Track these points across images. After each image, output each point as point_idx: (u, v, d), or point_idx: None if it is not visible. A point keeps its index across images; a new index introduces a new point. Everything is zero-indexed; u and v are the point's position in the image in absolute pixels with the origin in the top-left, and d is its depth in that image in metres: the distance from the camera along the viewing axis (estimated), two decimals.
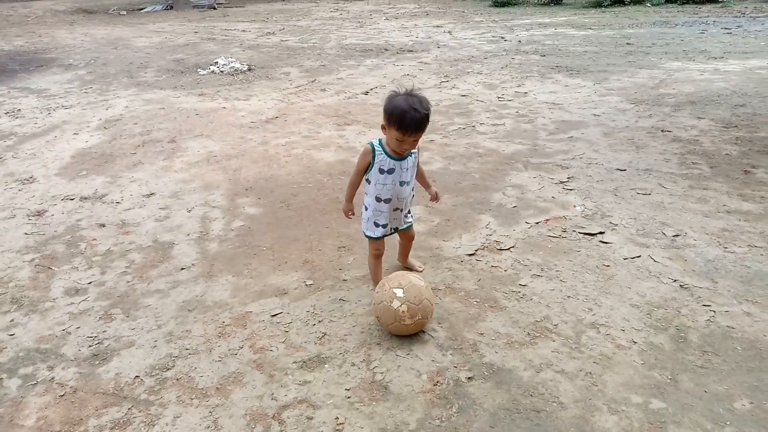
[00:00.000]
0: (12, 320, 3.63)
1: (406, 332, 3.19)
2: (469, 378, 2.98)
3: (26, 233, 4.81)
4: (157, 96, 9.43)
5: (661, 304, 3.56)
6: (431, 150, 6.62)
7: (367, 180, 3.34)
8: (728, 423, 2.64)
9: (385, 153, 3.21)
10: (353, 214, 3.51)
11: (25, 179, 6.02)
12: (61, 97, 9.51)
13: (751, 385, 2.87)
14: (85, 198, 5.52)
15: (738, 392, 2.82)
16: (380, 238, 3.50)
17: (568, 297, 3.66)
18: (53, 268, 4.25)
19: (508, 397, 2.85)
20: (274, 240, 4.56)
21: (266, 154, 6.62)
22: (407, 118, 2.94)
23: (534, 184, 5.53)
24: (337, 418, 2.76)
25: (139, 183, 5.87)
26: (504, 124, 7.55)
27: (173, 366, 3.16)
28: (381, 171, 3.24)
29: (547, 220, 4.75)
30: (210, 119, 8.02)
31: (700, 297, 3.61)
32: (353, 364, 3.12)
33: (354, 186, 3.43)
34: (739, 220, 4.64)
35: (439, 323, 3.43)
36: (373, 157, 3.23)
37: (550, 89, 9.35)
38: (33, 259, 4.37)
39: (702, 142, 6.60)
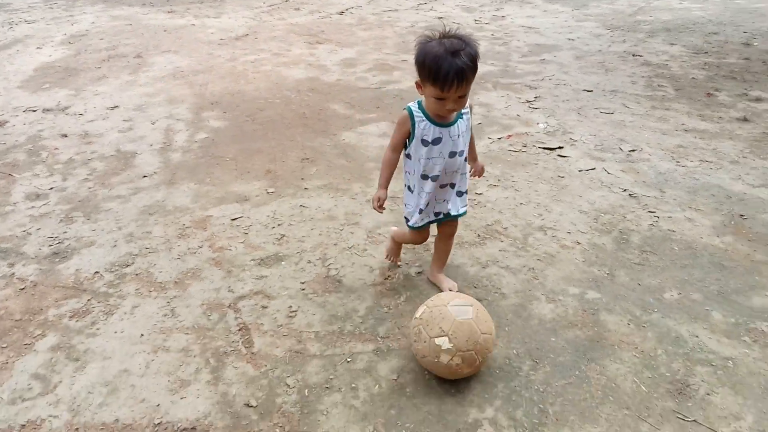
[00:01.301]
0: None
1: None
2: (418, 273, 3.15)
3: None
4: (124, 12, 9.24)
5: (608, 210, 3.73)
6: (402, 69, 6.64)
7: (407, 155, 2.60)
8: (655, 310, 2.85)
9: (428, 119, 2.45)
10: (383, 207, 2.67)
11: None
12: (24, 12, 9.28)
13: (682, 279, 3.07)
14: (48, 110, 5.51)
15: (669, 285, 3.03)
16: (423, 228, 2.79)
17: (521, 204, 3.82)
18: (14, 174, 4.30)
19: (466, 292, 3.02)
20: (238, 151, 4.63)
21: (234, 70, 6.60)
22: (444, 67, 2.19)
23: (501, 103, 5.61)
24: (290, 306, 2.92)
25: (103, 96, 5.85)
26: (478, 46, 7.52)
27: (133, 263, 3.28)
28: (425, 143, 2.48)
29: (509, 135, 4.87)
30: (178, 35, 7.92)
31: (646, 205, 3.79)
32: (309, 261, 3.27)
33: (390, 165, 2.62)
34: (695, 137, 4.80)
35: (397, 227, 3.57)
36: (413, 125, 2.47)
37: (528, 14, 9.30)
38: None
39: (671, 66, 6.70)
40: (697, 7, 9.74)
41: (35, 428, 2.27)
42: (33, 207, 3.85)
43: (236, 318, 2.84)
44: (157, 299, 2.98)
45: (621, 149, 4.57)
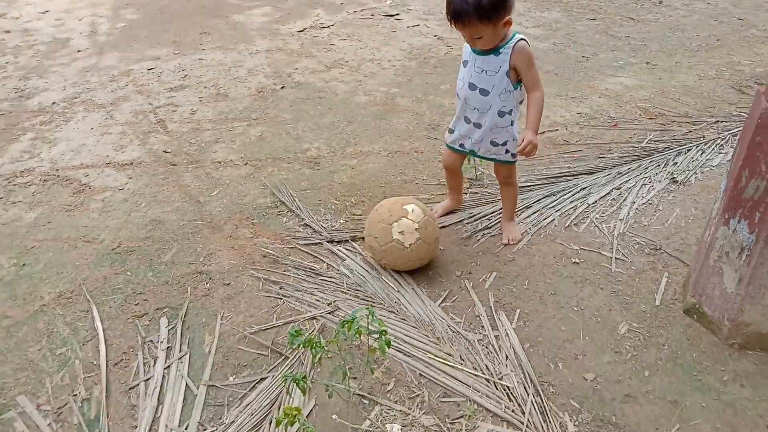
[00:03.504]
0: None
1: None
2: (281, 88, 4.49)
3: None
4: None
5: (420, 47, 5.14)
6: None
7: None
8: (431, 95, 4.30)
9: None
10: None
11: None
12: None
13: (454, 77, 4.54)
14: None
15: (445, 81, 4.48)
16: (449, 148, 2.65)
17: (361, 48, 5.17)
18: None
19: (304, 94, 4.37)
20: (150, 32, 5.77)
21: None
22: (449, 4, 2.13)
23: None
24: (192, 108, 4.21)
25: (34, 5, 6.77)
26: None
27: (78, 97, 4.46)
28: (462, 59, 2.43)
29: (362, 9, 6.17)
30: None
31: (449, 43, 5.21)
32: (206, 87, 4.54)
33: None
34: None
35: (269, 67, 4.88)
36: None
37: None
38: None
39: None
40: None
41: (30, 171, 3.53)
42: None
43: (155, 116, 4.12)
44: (99, 112, 4.21)
45: (441, 13, 5.96)
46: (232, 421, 1.98)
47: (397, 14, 5.89)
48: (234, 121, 3.96)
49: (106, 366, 2.20)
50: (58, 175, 3.42)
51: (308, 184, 3.24)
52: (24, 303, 2.51)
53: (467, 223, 2.86)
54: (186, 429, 1.96)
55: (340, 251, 2.72)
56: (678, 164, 3.16)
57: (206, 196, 3.18)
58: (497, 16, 2.10)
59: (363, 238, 2.73)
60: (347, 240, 2.79)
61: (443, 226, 2.84)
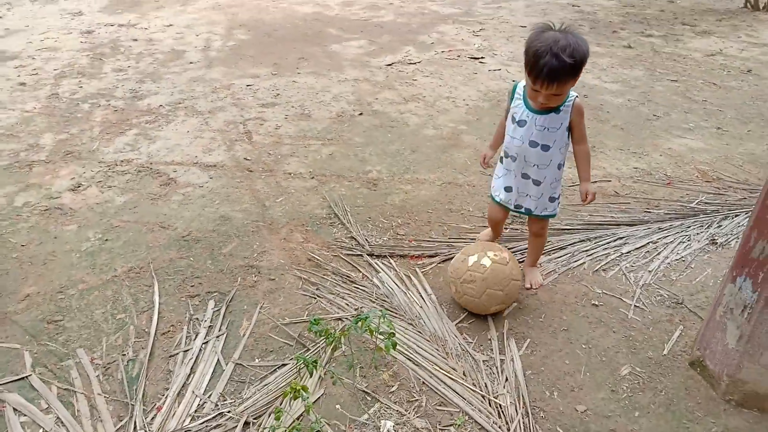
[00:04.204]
0: (79, 82, 5.43)
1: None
2: (360, 114, 4.80)
3: (82, 42, 6.54)
4: None
5: (496, 90, 5.32)
6: (387, 9, 8.20)
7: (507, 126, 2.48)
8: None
9: (524, 99, 2.36)
10: (487, 164, 2.71)
11: (75, 13, 7.68)
12: None
13: None
14: (122, 25, 7.21)
15: None
16: (498, 204, 2.67)
17: (440, 86, 5.42)
18: (103, 59, 6.02)
19: (378, 122, 4.65)
20: (255, 52, 6.29)
21: (259, 6, 8.21)
22: (540, 64, 2.09)
23: (453, 32, 7.16)
24: (277, 125, 4.59)
25: (161, 19, 7.52)
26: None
27: (182, 102, 4.96)
28: (513, 119, 2.41)
29: (450, 50, 6.44)
30: None
31: None
32: (293, 107, 4.92)
33: (501, 128, 2.59)
34: None
35: (353, 95, 5.21)
36: (511, 99, 2.43)
37: None
38: (89, 55, 6.13)
39: (597, 13, 8.14)
40: None
41: (129, 161, 3.99)
42: (118, 76, 5.56)
43: (244, 127, 4.52)
44: (197, 118, 4.67)
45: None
46: (249, 397, 2.21)
47: (482, 57, 6.10)
48: (311, 139, 4.29)
49: (155, 334, 2.50)
50: (151, 168, 3.85)
51: (363, 202, 3.48)
52: (100, 272, 2.88)
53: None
54: (209, 397, 2.20)
55: (377, 264, 2.92)
56: (722, 227, 3.15)
57: (272, 202, 3.48)
58: (580, 73, 2.14)
59: (402, 256, 2.95)
60: (386, 255, 3.00)
61: None
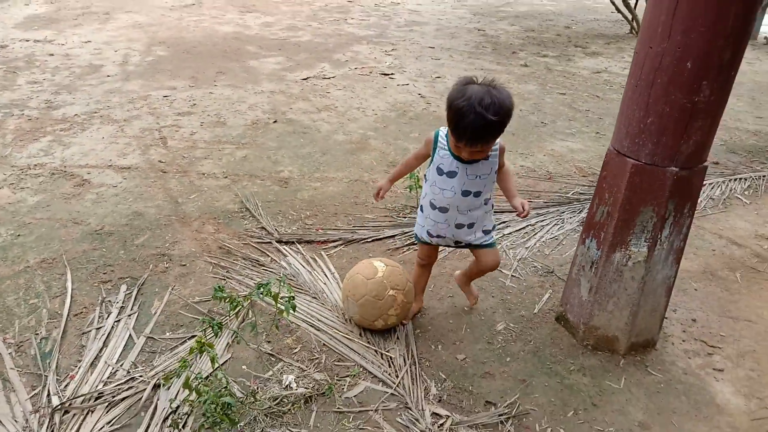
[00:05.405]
0: None
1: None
2: (274, 122, 4.98)
3: None
4: None
5: (403, 102, 5.64)
6: (306, 30, 8.46)
7: (425, 176, 2.35)
8: (400, 140, 4.76)
9: (449, 149, 2.18)
10: (382, 197, 2.47)
11: None
12: None
13: (430, 129, 5.01)
14: (38, 41, 7.12)
15: (415, 130, 4.95)
16: (428, 244, 2.47)
17: (351, 98, 5.70)
18: (17, 72, 5.95)
19: (292, 129, 4.84)
20: (174, 67, 6.38)
21: (179, 24, 8.29)
22: (463, 123, 1.95)
23: (367, 51, 7.49)
24: (192, 131, 4.70)
25: (79, 36, 7.47)
26: (369, 20, 9.42)
27: (98, 112, 4.98)
28: (440, 171, 2.23)
29: (363, 67, 6.75)
30: (138, 1, 9.54)
31: (428, 101, 5.72)
32: (209, 116, 5.05)
33: (406, 167, 2.45)
34: (485, 72, 6.77)
35: (268, 104, 5.39)
36: (434, 149, 2.23)
37: (418, 1, 11.22)
38: (1, 68, 6.04)
39: (500, 36, 8.70)
40: (551, 3, 11.86)
41: (42, 165, 3.99)
42: (33, 88, 5.51)
43: (159, 133, 4.61)
44: (112, 126, 4.72)
45: (431, 76, 6.51)
46: (160, 364, 2.33)
47: (392, 74, 6.44)
48: (225, 144, 4.44)
49: (67, 315, 2.58)
50: (65, 171, 3.89)
51: (274, 197, 3.66)
52: (12, 263, 2.92)
53: (398, 238, 3.24)
54: (121, 366, 2.31)
55: (285, 249, 3.11)
56: None
57: (185, 198, 3.60)
58: (506, 125, 2.00)
59: (308, 242, 3.15)
60: (294, 242, 3.18)
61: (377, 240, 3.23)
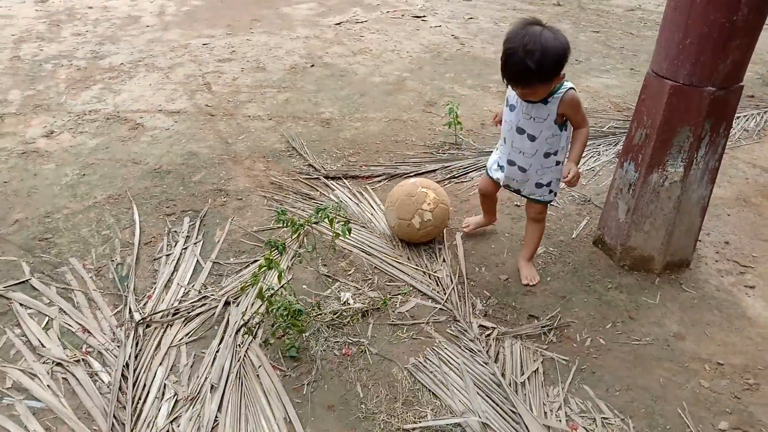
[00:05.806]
0: (39, 45, 5.53)
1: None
2: (311, 66, 5.07)
3: (36, 10, 6.58)
4: None
5: (437, 43, 5.67)
6: None
7: None
8: (436, 80, 4.83)
9: None
10: (499, 122, 2.45)
11: None
12: None
13: (462, 69, 5.06)
14: None
15: (453, 71, 5.00)
16: (491, 178, 2.53)
17: (385, 41, 5.74)
18: (60, 25, 6.10)
19: (329, 72, 4.93)
20: (210, 16, 6.46)
21: None
22: (508, 64, 2.02)
23: None
24: (234, 76, 4.84)
25: None
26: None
27: (142, 60, 5.15)
28: (507, 101, 2.30)
29: (394, 10, 6.74)
30: None
31: (461, 42, 5.73)
32: (248, 61, 5.16)
33: None
34: (517, 13, 6.72)
35: (304, 50, 5.47)
36: None
37: None
38: (45, 22, 6.20)
39: None
40: None
41: (96, 111, 4.19)
42: (77, 39, 5.68)
43: (203, 79, 4.76)
44: (157, 73, 4.88)
45: (463, 18, 6.49)
46: (228, 285, 2.54)
47: (423, 16, 6.43)
48: (267, 88, 4.57)
49: (138, 244, 2.79)
50: (118, 116, 4.07)
51: (318, 137, 3.81)
52: (81, 200, 3.14)
53: (438, 172, 3.38)
54: (192, 286, 2.53)
55: (333, 184, 3.27)
56: None
57: (234, 139, 3.77)
58: (556, 75, 2.00)
59: (354, 177, 3.31)
60: (340, 177, 3.34)
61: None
